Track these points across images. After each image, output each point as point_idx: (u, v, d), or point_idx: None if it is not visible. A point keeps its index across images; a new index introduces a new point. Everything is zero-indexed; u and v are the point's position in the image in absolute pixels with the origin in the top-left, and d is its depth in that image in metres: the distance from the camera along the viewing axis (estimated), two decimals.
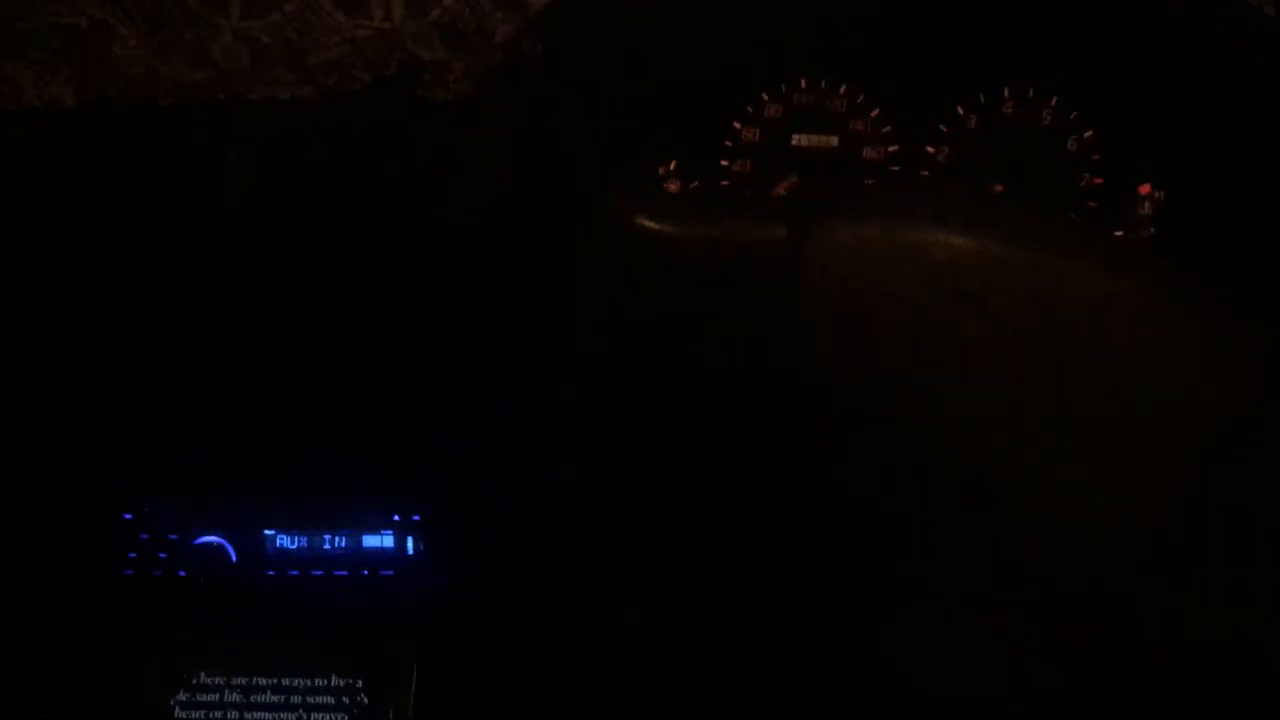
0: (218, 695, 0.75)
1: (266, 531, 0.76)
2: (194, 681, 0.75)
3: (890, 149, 0.79)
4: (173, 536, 0.75)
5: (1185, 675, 0.49)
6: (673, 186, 0.80)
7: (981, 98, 0.78)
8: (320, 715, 0.75)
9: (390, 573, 0.77)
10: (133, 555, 0.75)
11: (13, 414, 0.71)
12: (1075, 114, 0.78)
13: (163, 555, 0.75)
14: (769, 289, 0.49)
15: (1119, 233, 0.79)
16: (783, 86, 0.79)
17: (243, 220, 0.69)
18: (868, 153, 0.79)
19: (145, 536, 0.75)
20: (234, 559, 0.76)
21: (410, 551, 0.77)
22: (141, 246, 0.69)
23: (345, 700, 0.75)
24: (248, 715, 0.75)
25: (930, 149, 0.79)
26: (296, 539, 0.77)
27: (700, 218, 0.51)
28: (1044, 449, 0.49)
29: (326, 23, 0.92)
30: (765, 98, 0.79)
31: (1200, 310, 0.51)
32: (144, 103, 0.74)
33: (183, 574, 0.76)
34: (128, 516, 0.75)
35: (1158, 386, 0.49)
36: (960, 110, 0.78)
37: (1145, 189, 0.78)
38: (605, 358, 0.55)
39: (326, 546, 0.77)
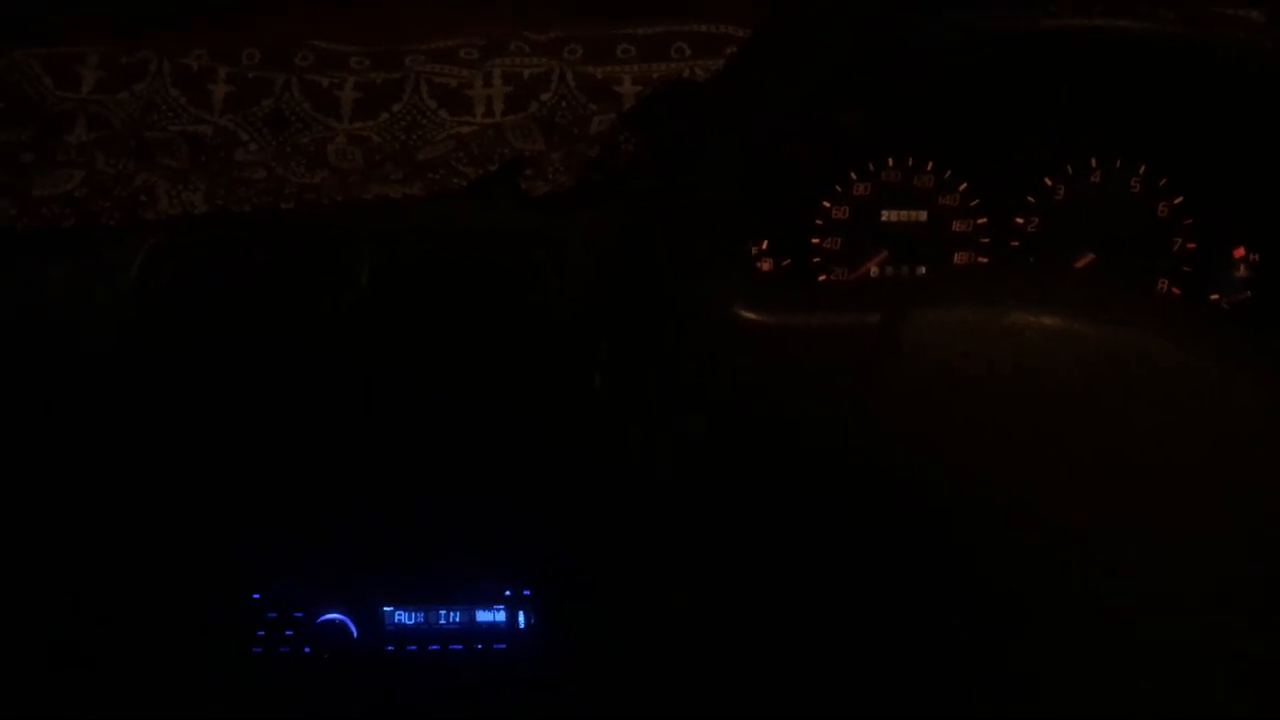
0: None
1: (385, 608, 0.80)
2: None
3: (979, 221, 0.80)
4: (298, 615, 0.79)
5: None
6: (765, 265, 0.82)
7: (1069, 168, 0.79)
8: None
9: (503, 646, 0.80)
10: (260, 633, 0.79)
11: (148, 499, 0.75)
12: (1164, 180, 0.78)
13: (289, 633, 0.79)
14: (860, 376, 0.51)
15: (1215, 296, 0.79)
16: (870, 165, 0.81)
17: (361, 313, 0.73)
18: (957, 226, 0.81)
19: (273, 615, 0.79)
20: (355, 635, 0.79)
21: (522, 625, 0.80)
22: (272, 341, 0.73)
23: None
24: None
25: (1019, 220, 0.80)
26: (414, 615, 0.80)
27: (790, 305, 0.53)
28: (1138, 530, 0.50)
29: (432, 120, 0.97)
30: (854, 176, 0.81)
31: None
32: (267, 207, 0.79)
33: (308, 650, 0.79)
34: (256, 596, 0.79)
35: (1253, 470, 0.49)
36: (1048, 181, 0.79)
37: (1239, 252, 0.78)
38: (699, 443, 0.57)
39: (442, 621, 0.80)
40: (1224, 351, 0.52)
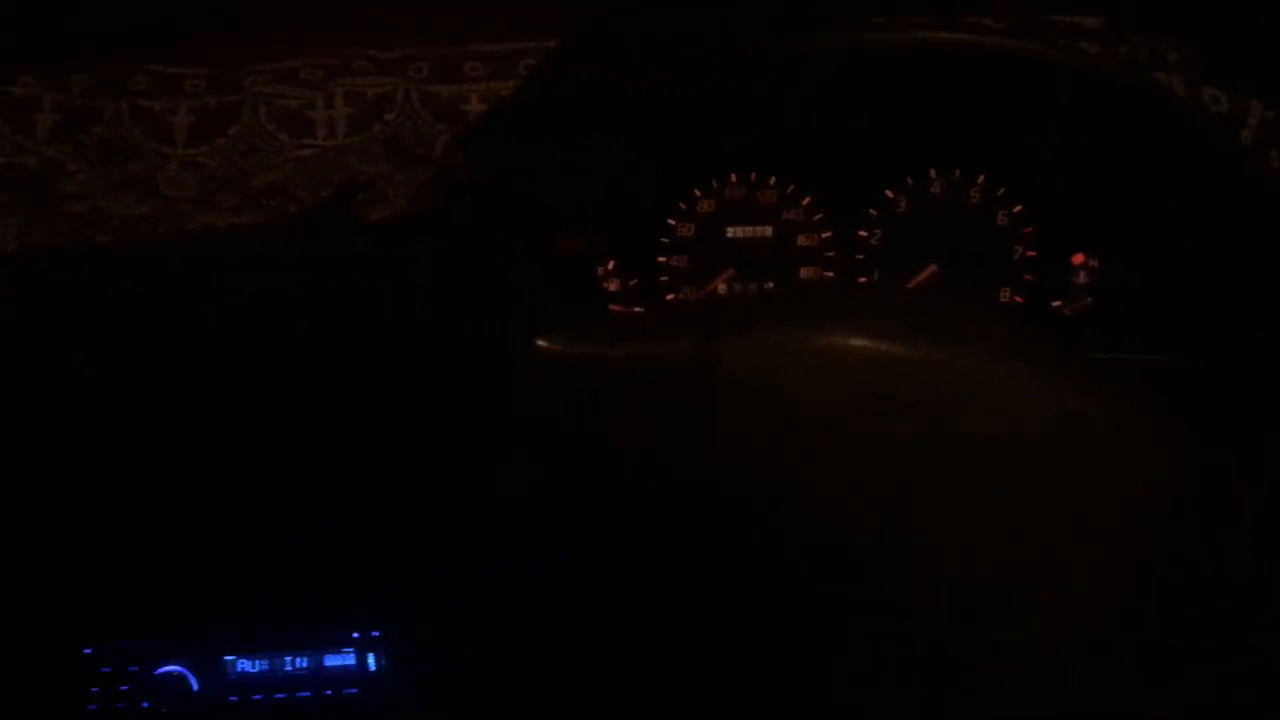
0: None
1: (227, 657, 0.76)
2: None
3: (824, 236, 0.80)
4: (133, 668, 0.75)
5: None
6: (612, 286, 0.81)
7: (909, 180, 0.79)
8: None
9: (354, 691, 0.77)
10: (95, 690, 0.75)
11: None
12: (1003, 190, 0.79)
13: (124, 688, 0.75)
14: (673, 406, 0.49)
15: (1057, 304, 0.80)
16: (714, 182, 0.80)
17: (185, 347, 0.70)
18: (802, 240, 0.80)
19: (106, 670, 0.75)
20: (196, 687, 0.76)
21: (373, 668, 0.77)
22: (87, 382, 0.69)
23: None
24: None
25: (863, 233, 0.80)
26: (257, 663, 0.77)
27: (598, 336, 0.52)
28: (973, 547, 0.49)
29: (271, 144, 0.94)
30: (698, 193, 0.80)
31: (1120, 402, 0.51)
32: (85, 241, 0.75)
33: (146, 705, 0.75)
34: (87, 651, 0.75)
35: (1081, 480, 0.49)
36: (889, 194, 0.79)
37: (1079, 259, 0.79)
38: (529, 476, 0.56)
39: (288, 668, 0.77)
40: (1051, 369, 0.52)
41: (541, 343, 0.51)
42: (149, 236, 0.77)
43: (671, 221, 0.80)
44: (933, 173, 0.79)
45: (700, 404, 0.49)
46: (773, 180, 0.80)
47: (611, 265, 0.80)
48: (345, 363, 0.68)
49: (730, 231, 0.80)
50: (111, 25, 1.00)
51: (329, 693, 0.77)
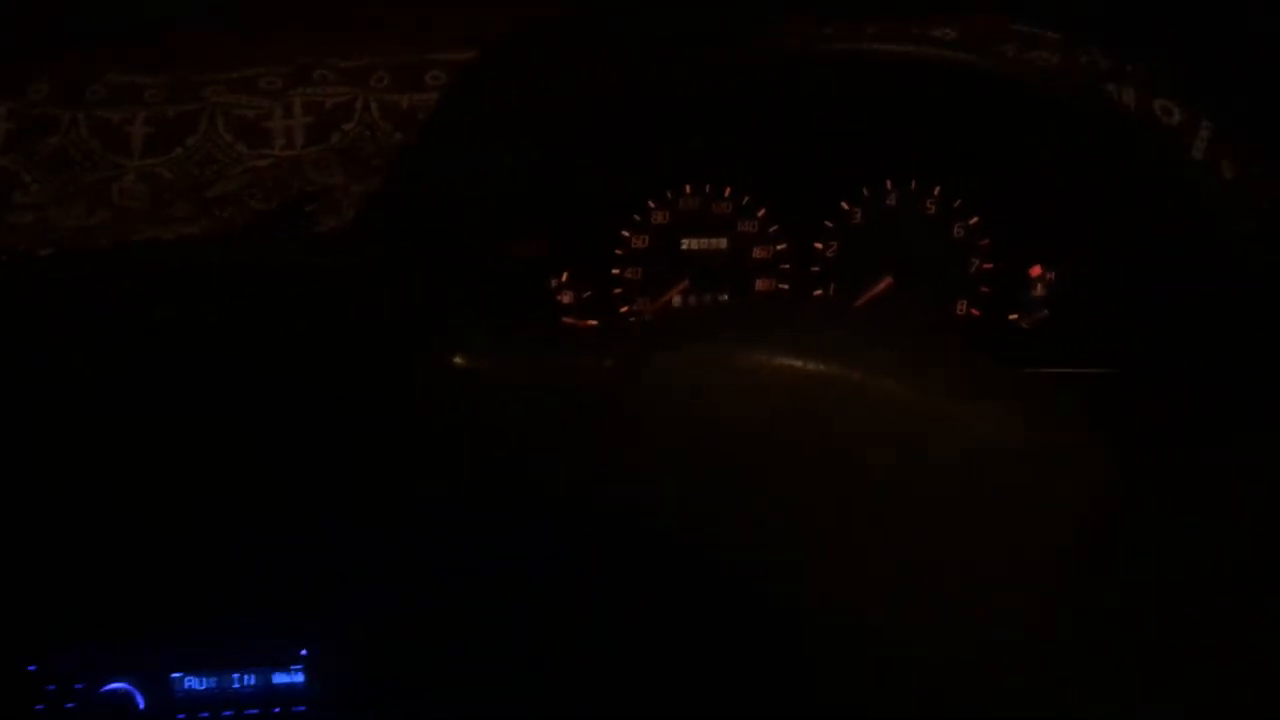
0: None
1: (174, 675, 0.75)
2: None
3: (779, 248, 0.79)
4: (78, 686, 0.74)
5: None
6: (566, 298, 0.80)
7: (865, 191, 0.78)
8: None
9: (303, 709, 0.76)
10: (39, 708, 0.74)
11: None
12: (959, 201, 0.78)
13: (70, 705, 0.74)
14: (600, 424, 0.49)
15: (1014, 316, 0.79)
16: (668, 193, 0.79)
17: (128, 361, 0.69)
18: (757, 252, 0.79)
19: (52, 688, 0.74)
20: (141, 705, 0.75)
21: (322, 686, 0.76)
22: (32, 397, 0.68)
23: None
24: None
25: (818, 245, 0.79)
26: (205, 680, 0.76)
27: (519, 351, 0.51)
28: (889, 572, 0.48)
29: (228, 155, 0.93)
30: (652, 204, 0.79)
31: (1046, 420, 0.50)
32: (27, 253, 0.74)
33: None
34: (32, 668, 0.74)
35: (1003, 499, 0.48)
36: (845, 205, 0.78)
37: (1036, 271, 0.78)
38: (449, 492, 0.55)
39: (236, 686, 0.76)
40: (979, 394, 0.51)
41: (458, 360, 0.50)
42: (89, 249, 0.76)
43: (625, 233, 0.79)
44: (889, 184, 0.78)
45: (617, 424, 0.48)
46: (728, 191, 0.79)
47: (565, 277, 0.80)
48: (276, 374, 0.67)
49: (685, 243, 0.79)
50: (80, 27, 1.00)
51: (277, 710, 0.76)
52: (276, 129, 0.93)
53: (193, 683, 0.76)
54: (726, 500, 0.48)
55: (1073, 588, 0.47)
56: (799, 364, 0.48)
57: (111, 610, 0.74)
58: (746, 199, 0.79)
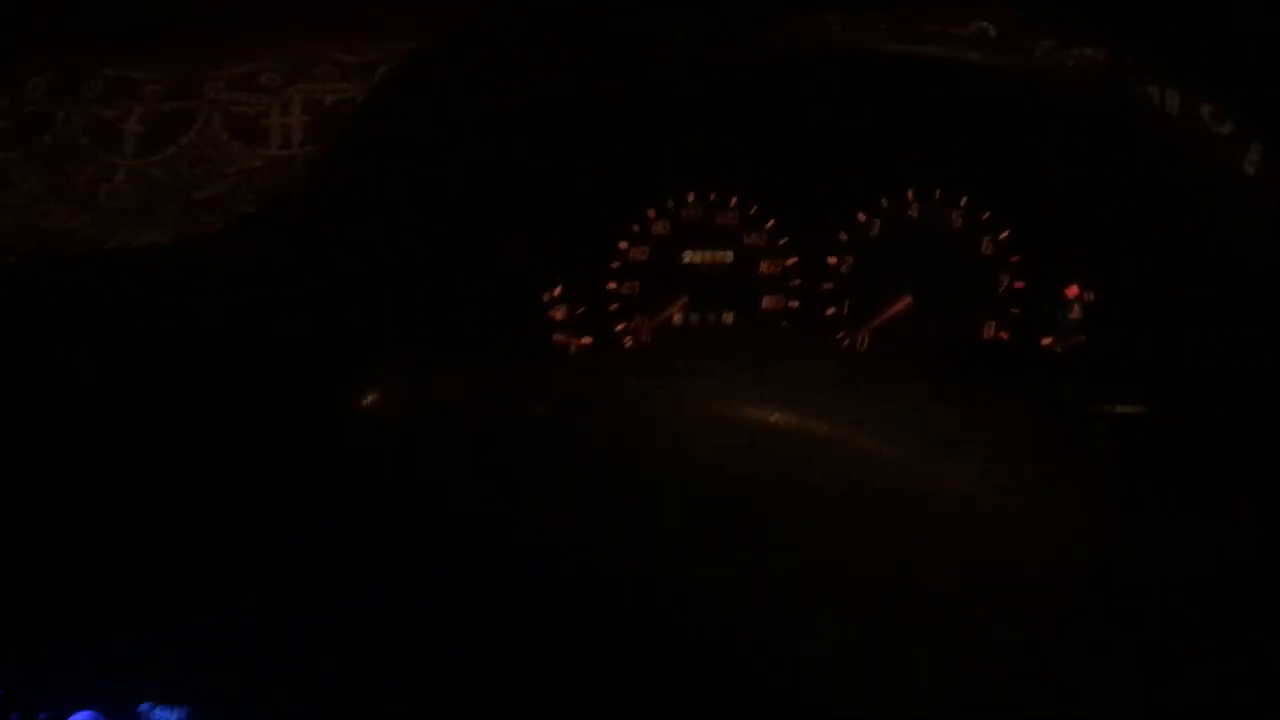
0: None
1: (143, 705, 0.72)
2: None
3: (789, 262, 0.73)
4: (42, 715, 0.72)
5: None
6: (558, 314, 0.74)
7: (884, 202, 0.71)
8: None
9: None
10: None
11: None
12: (988, 214, 0.71)
13: None
14: (536, 458, 0.43)
15: (1047, 340, 0.71)
16: (670, 202, 0.73)
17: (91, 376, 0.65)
18: (765, 267, 0.73)
19: (15, 717, 0.71)
20: None
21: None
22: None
23: None
24: None
25: (832, 260, 0.72)
26: (176, 711, 0.72)
27: (474, 382, 0.46)
28: (844, 627, 0.42)
29: (223, 154, 0.89)
30: (652, 214, 0.73)
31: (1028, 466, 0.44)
32: None
33: None
34: None
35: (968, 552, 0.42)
36: (861, 217, 0.72)
37: (1073, 291, 0.71)
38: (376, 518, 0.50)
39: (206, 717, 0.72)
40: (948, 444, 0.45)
41: (369, 399, 0.45)
42: (68, 254, 0.73)
43: (623, 244, 0.74)
44: (910, 194, 0.72)
45: (546, 467, 0.43)
46: (734, 200, 0.73)
47: (558, 291, 0.74)
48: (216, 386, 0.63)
49: (687, 256, 0.74)
50: (80, 25, 0.97)
51: None
52: (274, 126, 0.90)
53: (164, 714, 0.72)
54: (662, 553, 0.42)
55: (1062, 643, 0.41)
56: (751, 410, 0.42)
57: (78, 638, 0.71)
58: (754, 209, 0.73)
